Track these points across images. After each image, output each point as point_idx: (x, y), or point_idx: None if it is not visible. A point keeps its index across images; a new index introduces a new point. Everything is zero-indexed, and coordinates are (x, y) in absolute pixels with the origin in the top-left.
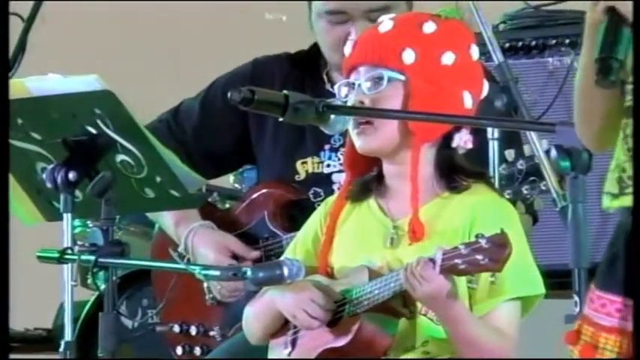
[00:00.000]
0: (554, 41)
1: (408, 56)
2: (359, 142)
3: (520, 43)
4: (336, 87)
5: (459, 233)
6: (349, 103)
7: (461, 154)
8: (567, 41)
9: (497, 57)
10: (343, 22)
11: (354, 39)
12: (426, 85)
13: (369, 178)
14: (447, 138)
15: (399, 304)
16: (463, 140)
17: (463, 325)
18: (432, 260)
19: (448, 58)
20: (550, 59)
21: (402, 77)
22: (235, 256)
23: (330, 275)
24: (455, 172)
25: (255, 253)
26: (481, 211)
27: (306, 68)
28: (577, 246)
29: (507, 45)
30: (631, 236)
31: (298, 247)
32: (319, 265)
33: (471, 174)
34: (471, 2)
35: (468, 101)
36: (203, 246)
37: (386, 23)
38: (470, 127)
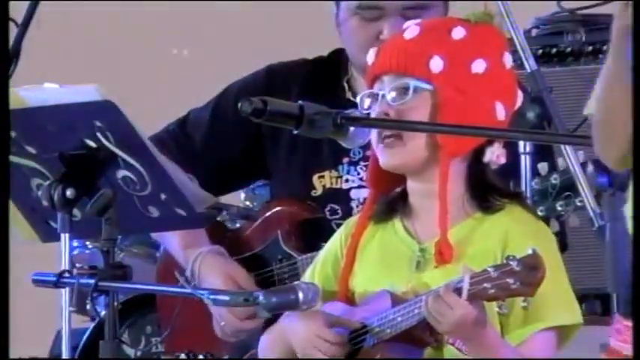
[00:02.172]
0: (590, 48)
1: (436, 64)
2: (383, 158)
3: (554, 50)
4: (358, 98)
5: (490, 257)
6: (373, 115)
7: (493, 171)
8: (605, 47)
9: (530, 64)
10: (375, 19)
11: (385, 38)
12: (455, 95)
13: (394, 197)
14: (478, 153)
15: (425, 332)
16: (495, 155)
17: (495, 354)
18: (459, 286)
19: (479, 66)
20: (586, 67)
21: (430, 87)
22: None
23: (351, 301)
24: (487, 191)
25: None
26: (514, 233)
27: (325, 76)
28: (615, 268)
29: (540, 51)
30: (633, 238)
31: (317, 270)
32: (339, 290)
33: (506, 194)
34: (501, 4)
35: (501, 113)
36: (210, 275)
37: (412, 29)
38: (502, 141)
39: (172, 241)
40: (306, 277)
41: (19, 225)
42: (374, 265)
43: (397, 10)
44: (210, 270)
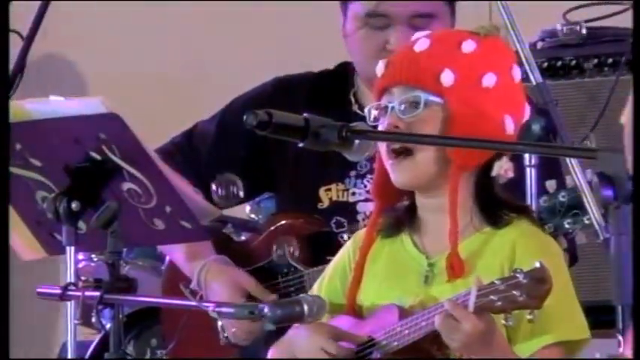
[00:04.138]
0: (595, 60)
1: (447, 78)
2: (394, 175)
3: (559, 63)
4: (366, 110)
5: (498, 271)
6: (381, 127)
7: (500, 185)
8: (610, 61)
9: (535, 77)
10: (382, 28)
11: (392, 47)
12: (465, 109)
13: (401, 212)
14: (486, 167)
15: (432, 346)
16: (503, 169)
17: None
18: (466, 299)
19: (489, 80)
20: (591, 80)
21: (440, 100)
22: (251, 297)
23: (359, 314)
24: (496, 205)
25: (273, 297)
26: (522, 247)
27: (332, 89)
28: (620, 280)
29: (546, 64)
30: (633, 236)
31: (325, 283)
32: (347, 303)
33: (514, 208)
34: (506, 18)
35: (510, 126)
36: (216, 283)
37: (422, 41)
38: (510, 155)
39: (177, 253)
40: (314, 290)
41: (23, 239)
42: (382, 279)
43: (404, 19)
44: (216, 279)
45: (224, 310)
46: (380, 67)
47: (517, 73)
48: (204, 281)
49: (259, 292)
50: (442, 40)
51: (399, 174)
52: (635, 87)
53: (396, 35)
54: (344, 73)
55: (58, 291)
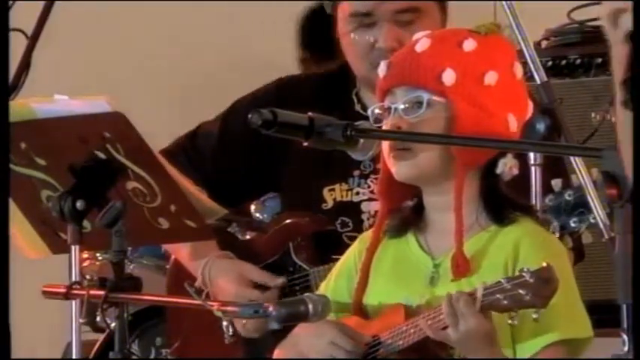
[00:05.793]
0: (600, 59)
1: (449, 77)
2: (396, 169)
3: (564, 62)
4: (369, 111)
5: (502, 270)
6: (384, 128)
7: (505, 183)
8: None
9: (540, 76)
10: (369, 26)
11: (380, 46)
12: (468, 107)
13: (407, 212)
14: (491, 164)
15: (436, 345)
16: (508, 166)
17: None
18: (472, 295)
19: (491, 78)
20: (595, 79)
21: (443, 100)
22: (258, 286)
23: (365, 315)
24: (501, 203)
25: (281, 280)
26: (526, 245)
27: (335, 89)
28: (625, 280)
29: (550, 63)
30: (633, 237)
31: (331, 284)
32: (353, 304)
33: (518, 206)
34: (511, 17)
35: (513, 124)
36: (222, 277)
37: (423, 41)
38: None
39: (182, 251)
40: (321, 290)
41: (28, 238)
42: (388, 279)
43: (389, 16)
44: (221, 275)
45: (229, 309)
46: (382, 68)
47: (519, 70)
48: (208, 278)
49: (265, 279)
50: (443, 40)
51: (399, 168)
52: (636, 87)
53: (383, 33)
54: (346, 74)
55: (63, 290)
